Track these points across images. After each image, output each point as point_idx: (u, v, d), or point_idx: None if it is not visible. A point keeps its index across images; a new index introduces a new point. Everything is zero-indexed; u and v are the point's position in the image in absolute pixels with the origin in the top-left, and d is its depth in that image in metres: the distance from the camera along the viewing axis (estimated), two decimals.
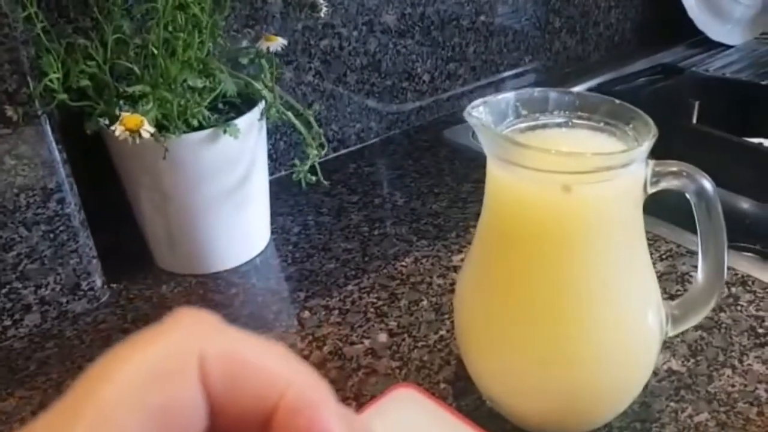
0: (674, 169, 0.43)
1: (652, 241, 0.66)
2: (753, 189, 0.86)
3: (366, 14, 0.82)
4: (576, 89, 0.96)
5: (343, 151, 0.86)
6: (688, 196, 0.43)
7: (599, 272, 0.41)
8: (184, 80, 0.54)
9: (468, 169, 0.80)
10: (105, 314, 0.61)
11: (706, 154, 0.89)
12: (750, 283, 0.60)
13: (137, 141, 0.49)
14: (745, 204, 0.88)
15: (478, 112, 0.43)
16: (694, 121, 0.92)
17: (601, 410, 0.46)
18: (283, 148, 0.80)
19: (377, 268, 0.65)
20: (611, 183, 0.41)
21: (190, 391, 0.17)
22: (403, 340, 0.56)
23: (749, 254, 0.84)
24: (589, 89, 0.96)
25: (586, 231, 0.41)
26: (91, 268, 0.61)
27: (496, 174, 0.43)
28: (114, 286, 0.64)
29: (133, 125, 0.47)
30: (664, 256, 0.64)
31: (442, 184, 0.78)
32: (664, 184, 0.43)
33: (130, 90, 0.52)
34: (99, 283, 0.62)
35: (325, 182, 0.63)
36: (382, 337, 0.56)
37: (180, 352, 0.18)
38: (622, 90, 0.95)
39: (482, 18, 0.92)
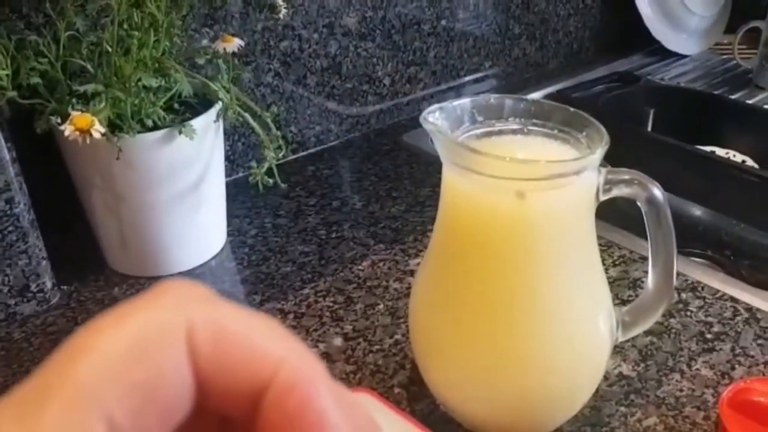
0: (626, 177, 0.43)
1: (606, 246, 0.67)
2: (705, 196, 0.87)
3: (327, 16, 0.82)
4: (534, 95, 0.97)
5: (302, 153, 0.85)
6: (639, 203, 0.44)
7: (552, 278, 0.42)
8: (139, 79, 0.53)
9: (426, 174, 0.81)
10: (55, 316, 0.60)
11: (660, 162, 0.90)
12: (700, 289, 0.61)
13: (87, 141, 0.48)
14: (697, 211, 0.90)
15: (434, 118, 0.43)
16: (649, 128, 0.93)
17: (552, 415, 0.46)
18: (241, 149, 0.80)
19: (334, 271, 0.64)
20: (564, 190, 0.41)
21: (177, 366, 0.16)
22: (359, 344, 0.56)
23: (700, 260, 0.86)
24: (548, 95, 0.97)
25: (539, 237, 0.41)
26: (41, 270, 0.60)
27: (451, 179, 0.43)
28: (65, 287, 0.63)
29: (83, 125, 0.47)
30: (617, 262, 0.65)
31: (401, 188, 0.78)
32: (615, 192, 0.44)
33: (82, 88, 0.51)
34: (49, 284, 0.61)
35: (283, 185, 0.62)
36: (337, 341, 0.56)
37: (166, 323, 0.16)
38: (580, 97, 0.96)
39: (443, 23, 0.93)
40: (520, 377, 0.43)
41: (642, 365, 0.53)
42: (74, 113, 0.48)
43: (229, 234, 0.70)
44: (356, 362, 0.54)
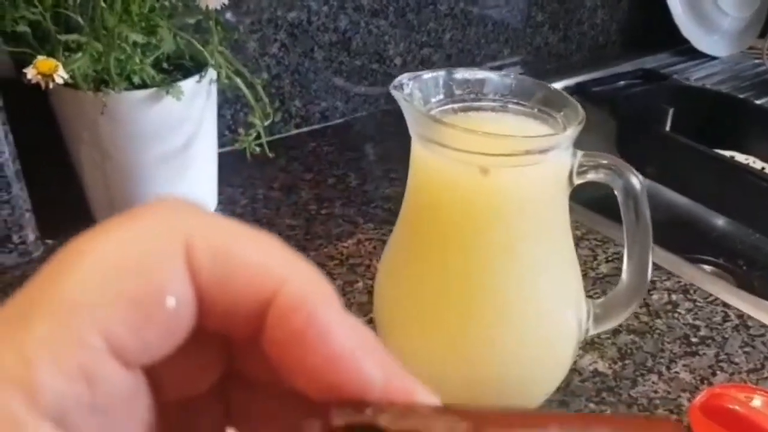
0: (602, 161, 0.41)
1: (601, 242, 0.65)
2: (721, 202, 0.84)
3: None
4: (554, 86, 0.94)
5: (305, 129, 0.84)
6: (615, 192, 0.42)
7: (515, 260, 0.40)
8: (126, 35, 0.52)
9: None
10: (36, 269, 0.60)
11: (676, 163, 0.87)
12: (692, 291, 0.59)
13: (50, 86, 0.47)
14: (711, 217, 0.87)
15: (407, 87, 0.41)
16: (668, 128, 0.90)
17: (510, 401, 0.45)
18: (243, 119, 0.79)
19: (318, 246, 0.63)
20: (532, 168, 0.39)
21: (176, 280, 0.15)
22: None
23: (710, 268, 0.83)
24: (567, 87, 0.94)
25: (501, 215, 0.39)
26: (24, 222, 0.60)
27: (417, 152, 0.41)
28: (49, 242, 0.63)
29: (45, 69, 0.46)
30: (610, 258, 0.63)
31: (400, 170, 0.76)
32: (591, 176, 0.42)
33: (63, 38, 0.50)
34: (32, 237, 0.61)
35: (270, 154, 0.61)
36: None
37: (163, 235, 0.15)
38: (599, 91, 0.93)
39: (461, 4, 0.91)
40: (478, 357, 0.41)
41: (619, 363, 0.51)
42: (39, 58, 0.47)
43: (219, 202, 0.69)
44: None
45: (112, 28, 0.50)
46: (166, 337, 0.15)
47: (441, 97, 0.43)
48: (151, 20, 0.54)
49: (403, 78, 0.42)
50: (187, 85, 0.57)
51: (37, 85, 0.49)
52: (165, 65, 0.58)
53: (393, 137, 0.83)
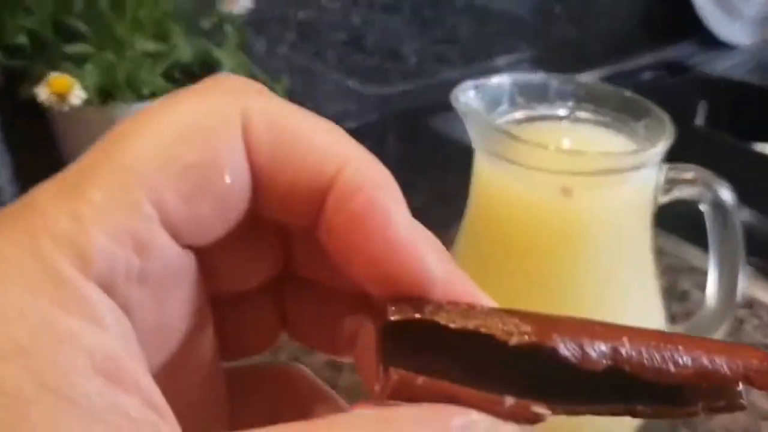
0: (689, 175, 0.37)
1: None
2: (757, 199, 0.80)
3: None
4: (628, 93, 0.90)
5: None
6: (702, 207, 0.38)
7: (598, 289, 0.36)
8: (134, 43, 0.47)
9: (454, 163, 0.74)
10: None
11: (712, 160, 0.83)
12: (756, 305, 0.55)
13: (65, 108, 0.42)
14: (746, 215, 0.83)
15: (468, 97, 0.36)
16: (700, 123, 0.86)
17: None
18: None
19: None
20: (618, 189, 0.35)
21: (232, 153, 0.15)
22: None
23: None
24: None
25: (586, 242, 0.35)
26: None
27: (485, 170, 0.37)
28: None
29: (61, 89, 0.41)
30: (663, 271, 0.58)
31: (424, 178, 0.71)
32: (676, 193, 0.37)
33: (70, 49, 0.45)
34: None
35: None
36: None
37: (220, 108, 0.15)
38: (623, 86, 0.88)
39: None
40: None
41: None
42: (53, 74, 0.42)
43: None
44: None
45: (121, 36, 0.45)
46: (219, 213, 0.15)
47: (505, 106, 0.38)
48: (161, 25, 0.49)
49: (463, 87, 0.37)
50: None
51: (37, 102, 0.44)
52: (176, 74, 0.53)
53: (411, 141, 0.79)
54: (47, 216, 0.13)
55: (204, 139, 0.15)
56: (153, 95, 0.51)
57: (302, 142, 0.15)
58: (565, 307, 0.35)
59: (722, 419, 0.45)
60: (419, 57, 0.84)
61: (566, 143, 0.37)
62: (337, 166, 0.15)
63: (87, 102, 0.48)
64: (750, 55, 1.01)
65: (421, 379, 0.14)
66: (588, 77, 0.91)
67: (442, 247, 0.17)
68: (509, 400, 0.15)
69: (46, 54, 0.50)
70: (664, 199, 0.37)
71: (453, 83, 0.86)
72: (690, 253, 0.60)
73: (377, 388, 0.15)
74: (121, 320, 0.14)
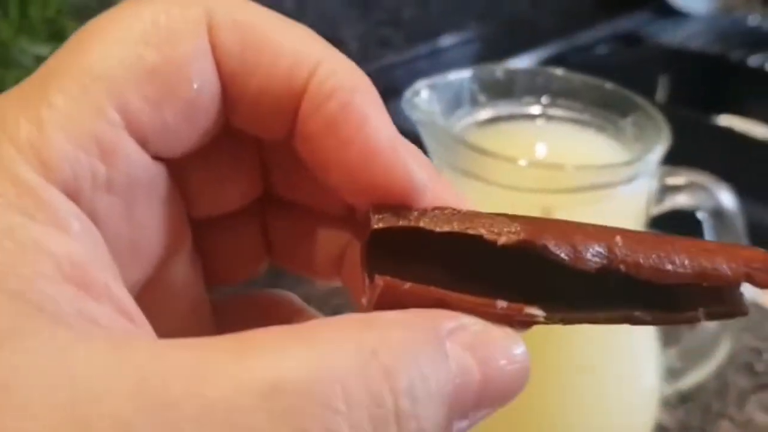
0: (683, 181, 0.32)
1: None
2: (726, 175, 0.77)
3: None
4: (526, 61, 0.84)
5: None
6: (699, 215, 0.33)
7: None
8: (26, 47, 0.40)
9: None
10: None
11: (674, 135, 0.79)
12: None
13: None
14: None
15: (422, 100, 0.30)
16: (661, 98, 0.82)
17: None
18: None
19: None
20: (606, 204, 0.29)
21: (198, 54, 0.14)
22: None
23: None
24: (543, 61, 0.85)
25: None
26: None
27: None
28: None
29: None
30: None
31: None
32: (668, 204, 0.32)
33: None
34: None
35: None
36: None
37: (184, 10, 0.14)
38: (579, 63, 0.84)
39: None
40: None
41: (681, 410, 0.42)
42: None
43: None
44: None
45: (7, 40, 0.38)
46: (187, 120, 0.14)
47: (466, 107, 0.32)
48: (57, 24, 0.42)
49: (416, 89, 0.30)
50: None
51: None
52: None
53: None
54: (8, 122, 0.13)
55: (168, 41, 0.14)
56: None
57: (272, 45, 0.15)
58: (550, 335, 0.30)
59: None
60: (360, 42, 0.78)
61: (541, 149, 0.32)
62: (310, 69, 0.15)
63: None
64: (706, 24, 0.98)
65: (408, 285, 0.14)
66: (540, 54, 0.86)
67: (424, 156, 0.16)
68: (501, 303, 0.14)
69: None
70: (657, 210, 0.31)
71: (397, 68, 0.80)
72: None
73: (364, 300, 0.15)
74: (89, 228, 0.13)
